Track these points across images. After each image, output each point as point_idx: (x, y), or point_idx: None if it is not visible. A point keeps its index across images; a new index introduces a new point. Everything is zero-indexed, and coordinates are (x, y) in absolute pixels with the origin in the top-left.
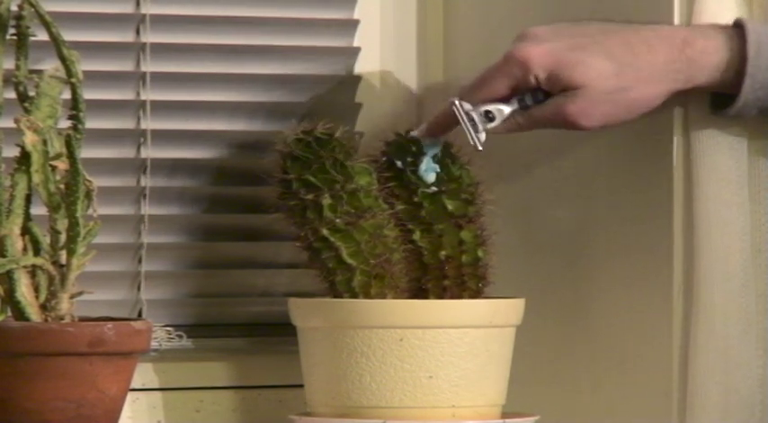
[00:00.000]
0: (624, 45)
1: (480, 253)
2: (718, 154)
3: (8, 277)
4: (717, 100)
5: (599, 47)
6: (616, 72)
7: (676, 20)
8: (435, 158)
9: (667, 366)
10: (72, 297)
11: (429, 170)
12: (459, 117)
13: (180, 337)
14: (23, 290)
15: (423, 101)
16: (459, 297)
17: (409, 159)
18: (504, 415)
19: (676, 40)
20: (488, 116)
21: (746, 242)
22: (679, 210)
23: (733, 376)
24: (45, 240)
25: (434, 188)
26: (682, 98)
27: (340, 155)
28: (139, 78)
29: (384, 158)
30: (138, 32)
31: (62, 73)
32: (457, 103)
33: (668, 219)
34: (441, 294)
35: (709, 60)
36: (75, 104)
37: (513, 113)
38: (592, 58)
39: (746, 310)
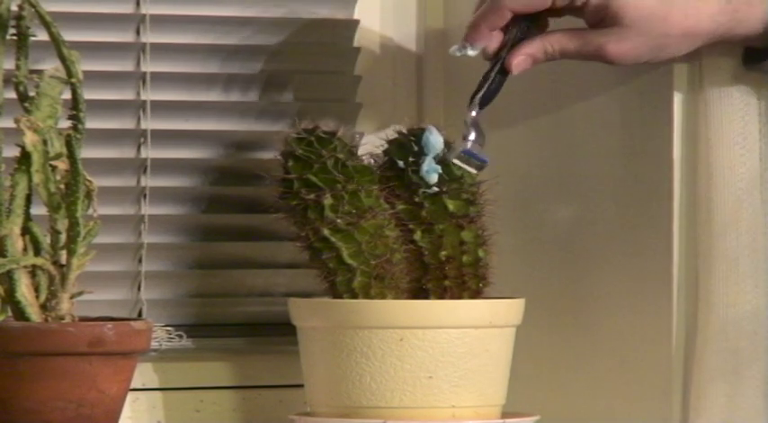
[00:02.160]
0: None
1: (481, 253)
2: (733, 148)
3: (8, 277)
4: (749, 55)
5: None
6: (665, 15)
7: None
8: (437, 159)
9: (667, 366)
10: (72, 297)
11: (431, 171)
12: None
13: (180, 336)
14: (24, 290)
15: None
16: (460, 297)
17: (410, 159)
18: (504, 415)
19: None
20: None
21: (758, 242)
22: (680, 209)
23: (741, 377)
24: (45, 240)
25: (435, 188)
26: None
27: (341, 154)
28: (139, 78)
29: (385, 158)
30: (138, 32)
31: (62, 73)
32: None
33: (669, 219)
34: (441, 294)
35: (753, 12)
36: (75, 104)
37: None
38: None
39: (756, 309)
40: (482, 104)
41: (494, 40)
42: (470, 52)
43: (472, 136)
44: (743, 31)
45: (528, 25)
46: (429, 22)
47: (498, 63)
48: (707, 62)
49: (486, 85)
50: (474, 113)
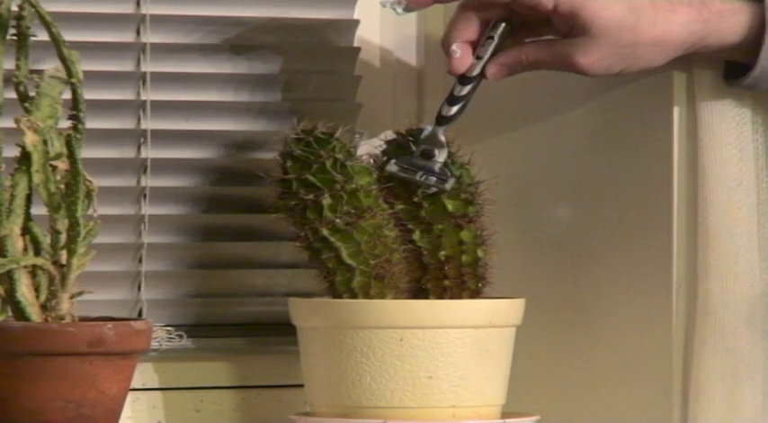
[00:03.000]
0: None
1: (480, 253)
2: (725, 148)
3: (8, 277)
4: (730, 70)
5: None
6: (633, 24)
7: None
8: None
9: (667, 366)
10: (72, 297)
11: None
12: (408, 179)
13: (180, 336)
14: (24, 290)
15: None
16: (460, 297)
17: None
18: (504, 415)
19: (695, 1)
20: (426, 154)
21: (754, 242)
22: (679, 210)
23: (740, 377)
24: (45, 240)
25: (434, 189)
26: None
27: (340, 155)
28: (139, 78)
29: (384, 158)
30: (138, 32)
31: (62, 73)
32: (392, 168)
33: (669, 218)
34: (441, 294)
35: (726, 24)
36: (75, 104)
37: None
38: (614, 4)
39: (753, 309)
40: (448, 121)
41: (466, 57)
42: (399, 10)
43: (443, 155)
44: (715, 41)
45: (501, 40)
46: (429, 22)
47: (474, 80)
48: (697, 73)
49: (463, 102)
50: (442, 130)
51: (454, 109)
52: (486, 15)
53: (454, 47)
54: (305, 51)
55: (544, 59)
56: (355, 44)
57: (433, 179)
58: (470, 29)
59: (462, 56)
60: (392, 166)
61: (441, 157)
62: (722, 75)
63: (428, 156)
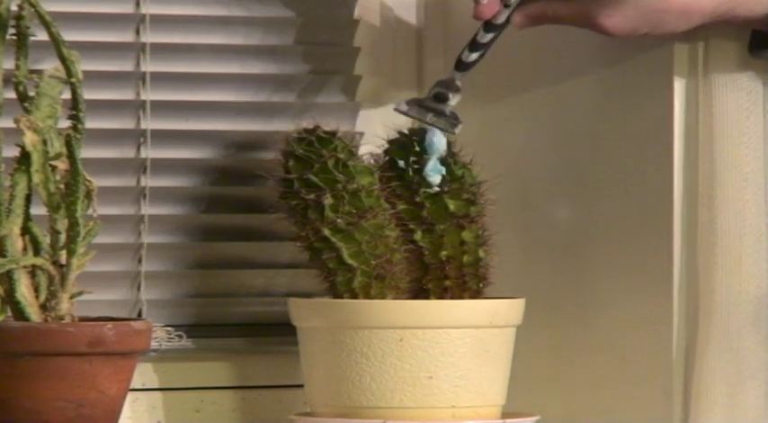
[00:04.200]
0: None
1: (482, 253)
2: (737, 147)
3: (8, 277)
4: (754, 41)
5: None
6: None
7: None
8: (441, 160)
9: (667, 366)
10: (72, 297)
11: (435, 171)
12: (418, 119)
13: (180, 337)
14: (23, 290)
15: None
16: (460, 297)
17: (412, 159)
18: (504, 415)
19: None
20: (440, 97)
21: (762, 242)
22: (681, 209)
23: (742, 377)
24: (45, 240)
25: (437, 188)
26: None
27: (342, 154)
28: (139, 78)
29: (386, 158)
30: (138, 32)
31: (62, 73)
32: (402, 107)
33: (669, 219)
34: (442, 295)
35: None
36: (75, 104)
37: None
38: None
39: (759, 309)
40: (468, 67)
41: (493, 4)
42: None
43: (456, 100)
44: (744, 12)
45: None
46: None
47: (499, 28)
48: (713, 44)
49: (484, 49)
50: (460, 75)
51: (475, 55)
52: None
53: None
54: (305, 51)
55: (569, 15)
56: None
57: (442, 121)
58: None
59: (490, 2)
60: (402, 106)
61: (454, 101)
62: (747, 45)
63: (442, 99)
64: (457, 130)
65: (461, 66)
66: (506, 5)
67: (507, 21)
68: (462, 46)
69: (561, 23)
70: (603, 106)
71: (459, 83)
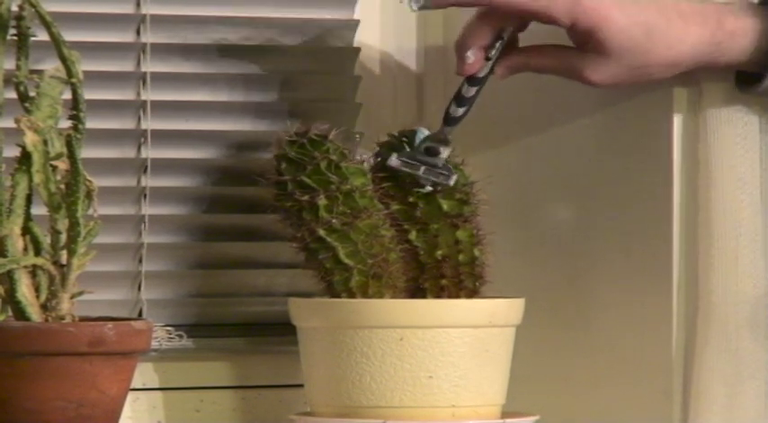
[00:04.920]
0: (661, 13)
1: (476, 252)
2: (732, 148)
3: (9, 277)
4: (740, 76)
5: (639, 10)
6: (648, 49)
7: None
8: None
9: (667, 366)
10: (72, 297)
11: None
12: (411, 174)
13: (180, 336)
14: (24, 290)
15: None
16: (457, 296)
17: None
18: (504, 415)
19: (711, 19)
20: (431, 152)
21: (757, 243)
22: (679, 209)
23: (741, 377)
24: (45, 240)
25: (429, 188)
26: (690, 83)
27: (334, 156)
28: (139, 78)
29: (378, 159)
30: (138, 32)
31: (62, 73)
32: (394, 162)
33: (668, 219)
34: (438, 293)
35: (737, 44)
36: (75, 104)
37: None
38: (632, 27)
39: (756, 309)
40: (457, 122)
41: (478, 62)
42: (414, 7)
43: (447, 153)
44: (726, 60)
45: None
46: (429, 22)
47: (483, 81)
48: (706, 87)
49: (470, 103)
50: (449, 130)
51: (461, 110)
52: (502, 25)
53: (469, 53)
54: (305, 51)
55: (553, 67)
56: (355, 45)
57: (436, 174)
58: (486, 36)
59: (475, 61)
60: (394, 161)
61: (444, 154)
62: (734, 82)
63: (433, 153)
64: (451, 182)
65: (450, 120)
66: (487, 58)
67: (490, 72)
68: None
69: (544, 73)
70: (603, 108)
71: (449, 137)
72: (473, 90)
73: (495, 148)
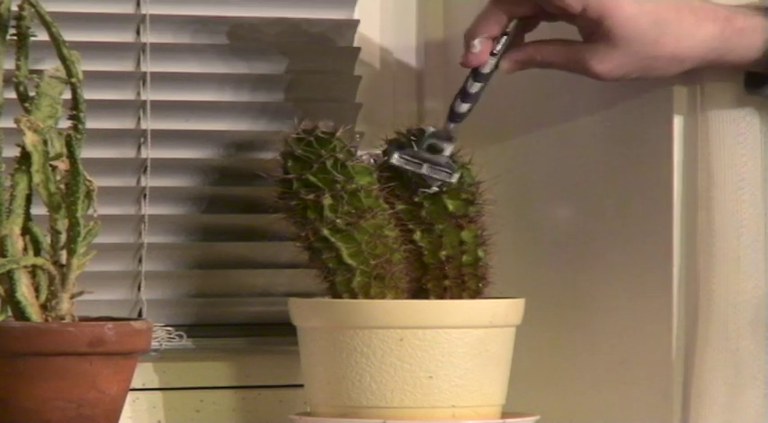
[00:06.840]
0: (673, 7)
1: (481, 253)
2: (734, 148)
3: (8, 277)
4: (749, 78)
5: (651, 1)
6: (656, 38)
7: None
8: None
9: (667, 366)
10: (72, 297)
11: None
12: (414, 172)
13: (180, 337)
14: (24, 290)
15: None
16: (460, 297)
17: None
18: (504, 415)
19: (721, 16)
20: (434, 148)
21: (759, 243)
22: (680, 209)
23: (742, 377)
24: (45, 240)
25: (435, 188)
26: (691, 83)
27: (341, 154)
28: (139, 78)
29: (385, 158)
30: (138, 32)
31: (62, 73)
32: (397, 160)
33: (669, 219)
34: (441, 294)
35: (746, 41)
36: (75, 104)
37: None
38: (641, 15)
39: (757, 309)
40: (461, 118)
41: (484, 54)
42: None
43: (450, 150)
44: (734, 58)
45: (515, 30)
46: (429, 22)
47: (488, 77)
48: (709, 86)
49: (475, 99)
50: (453, 126)
51: (466, 106)
52: (515, 13)
53: (476, 42)
54: (305, 51)
55: (559, 61)
56: (355, 44)
57: (438, 172)
58: (496, 25)
59: (481, 52)
60: (396, 159)
61: (447, 151)
62: (741, 84)
63: (436, 150)
64: (454, 180)
65: (454, 117)
66: (493, 54)
67: (495, 68)
68: (462, 76)
69: (551, 68)
70: (606, 108)
71: (453, 133)
72: (478, 86)
73: (495, 149)
